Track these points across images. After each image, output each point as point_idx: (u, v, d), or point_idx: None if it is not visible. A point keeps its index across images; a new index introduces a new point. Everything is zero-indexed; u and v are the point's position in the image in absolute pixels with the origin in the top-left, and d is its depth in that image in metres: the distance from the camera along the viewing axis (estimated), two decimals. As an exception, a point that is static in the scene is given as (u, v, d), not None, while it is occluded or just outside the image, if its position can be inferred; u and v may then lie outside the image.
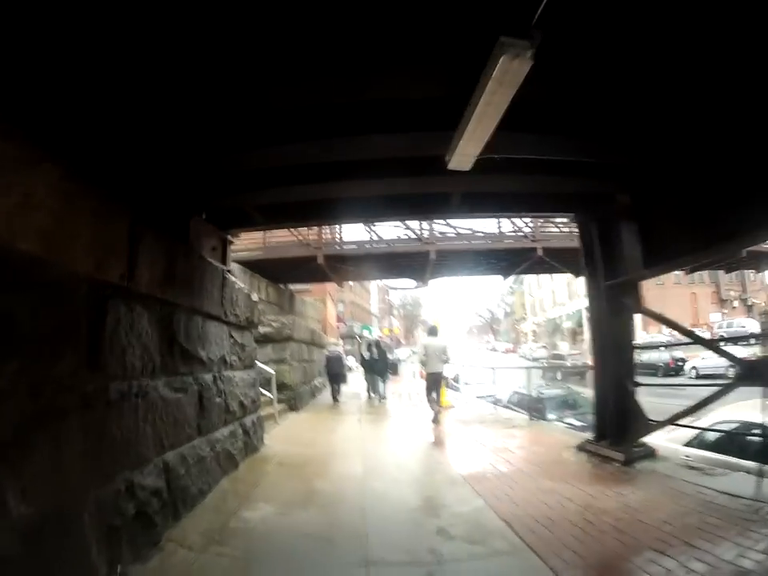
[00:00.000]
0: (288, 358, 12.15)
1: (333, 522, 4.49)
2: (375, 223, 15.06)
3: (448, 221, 15.42)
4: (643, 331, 46.09)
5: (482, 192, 6.43)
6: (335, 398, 14.65)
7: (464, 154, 4.03)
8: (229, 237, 7.45)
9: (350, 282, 60.93)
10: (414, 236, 15.31)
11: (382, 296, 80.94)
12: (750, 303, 48.39)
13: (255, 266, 15.19)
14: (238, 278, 13.72)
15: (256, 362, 9.57)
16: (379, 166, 5.19)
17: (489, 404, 15.83)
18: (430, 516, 4.66)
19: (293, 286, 23.76)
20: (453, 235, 15.78)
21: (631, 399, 6.64)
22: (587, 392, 15.07)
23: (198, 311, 5.49)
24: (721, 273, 48.47)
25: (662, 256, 6.05)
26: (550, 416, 11.90)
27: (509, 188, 6.26)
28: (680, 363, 29.41)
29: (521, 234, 15.92)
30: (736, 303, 50.26)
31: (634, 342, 7.82)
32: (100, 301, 3.43)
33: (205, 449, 5.38)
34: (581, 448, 7.06)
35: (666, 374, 27.26)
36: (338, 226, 16.78)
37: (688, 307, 48.02)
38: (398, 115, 4.15)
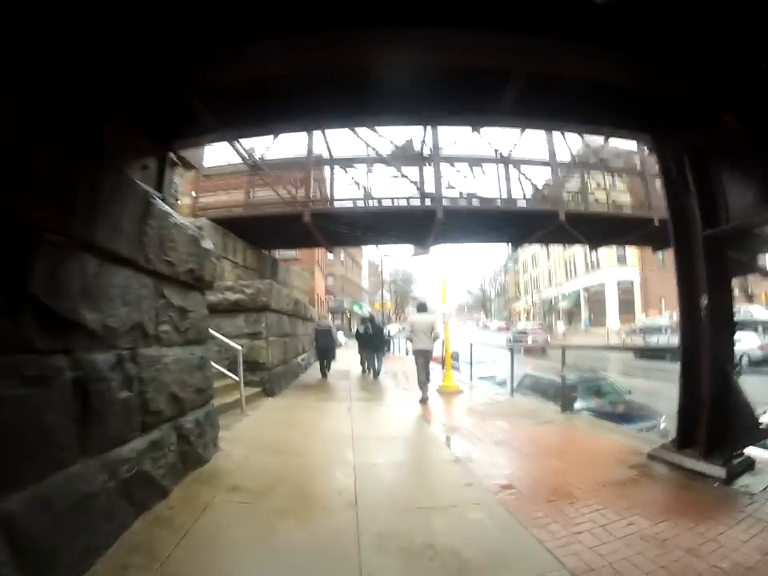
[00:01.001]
0: (264, 331, 9.93)
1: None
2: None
3: (451, 182, 13.26)
4: (642, 314, 45.35)
5: (545, 82, 4.16)
6: (324, 374, 13.72)
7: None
8: (171, 155, 5.18)
9: (342, 256, 59.37)
10: (416, 194, 13.04)
11: (373, 271, 79.61)
12: (750, 292, 47.77)
13: (233, 226, 12.91)
14: (208, 236, 11.51)
15: (215, 334, 7.54)
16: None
17: (494, 386, 14.05)
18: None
19: (280, 255, 21.55)
20: (460, 195, 13.51)
21: (735, 392, 4.92)
22: (610, 376, 13.26)
23: (87, 246, 3.27)
24: None
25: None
26: (576, 405, 9.96)
27: (586, 73, 3.99)
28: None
29: (539, 196, 13.72)
30: (737, 291, 48.48)
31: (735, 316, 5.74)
32: None
33: (96, 478, 3.20)
34: (655, 458, 5.26)
35: (675, 359, 25.25)
36: (327, 181, 14.47)
37: None
38: None
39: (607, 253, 47.63)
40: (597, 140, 14.27)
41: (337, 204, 13.47)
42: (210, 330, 8.23)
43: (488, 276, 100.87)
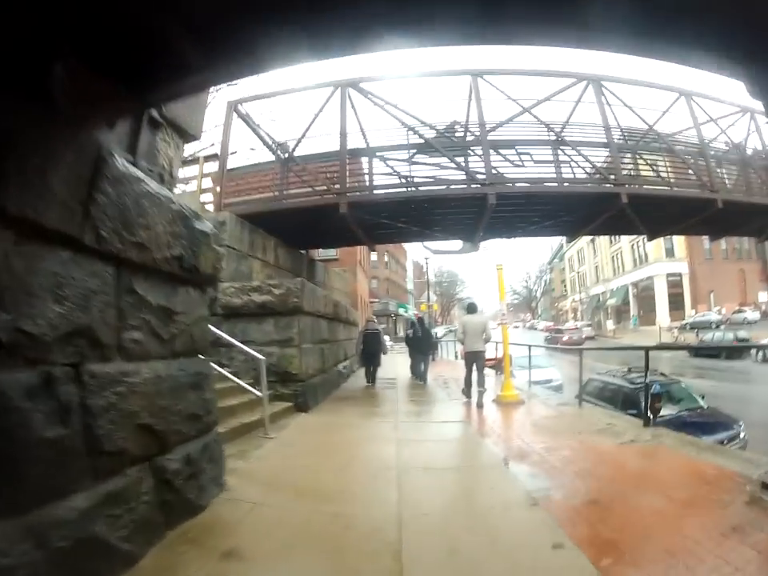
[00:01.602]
0: (296, 337, 8.70)
1: None
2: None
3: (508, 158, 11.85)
4: (692, 309, 42.95)
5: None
6: (371, 381, 12.80)
7: None
8: (153, 113, 4.00)
9: (385, 258, 58.26)
10: (462, 176, 11.67)
11: (417, 272, 78.37)
12: None
13: (262, 222, 11.81)
14: (232, 232, 10.40)
15: (232, 341, 6.42)
16: None
17: (552, 392, 12.63)
18: None
19: (319, 256, 20.45)
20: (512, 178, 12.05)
21: None
22: (685, 380, 11.63)
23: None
24: None
25: None
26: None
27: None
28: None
29: (600, 176, 12.15)
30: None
31: None
32: None
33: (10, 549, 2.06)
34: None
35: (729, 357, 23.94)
36: (365, 172, 13.23)
37: (736, 284, 45.05)
38: None
39: (655, 246, 45.33)
40: (653, 115, 12.73)
41: (376, 192, 12.18)
42: (225, 336, 7.19)
43: (533, 275, 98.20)
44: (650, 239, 16.67)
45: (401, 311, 59.55)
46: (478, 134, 11.81)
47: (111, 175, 3.04)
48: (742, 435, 8.26)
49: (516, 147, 11.80)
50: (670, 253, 45.80)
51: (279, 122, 13.20)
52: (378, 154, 12.30)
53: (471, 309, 10.55)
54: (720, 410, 9.72)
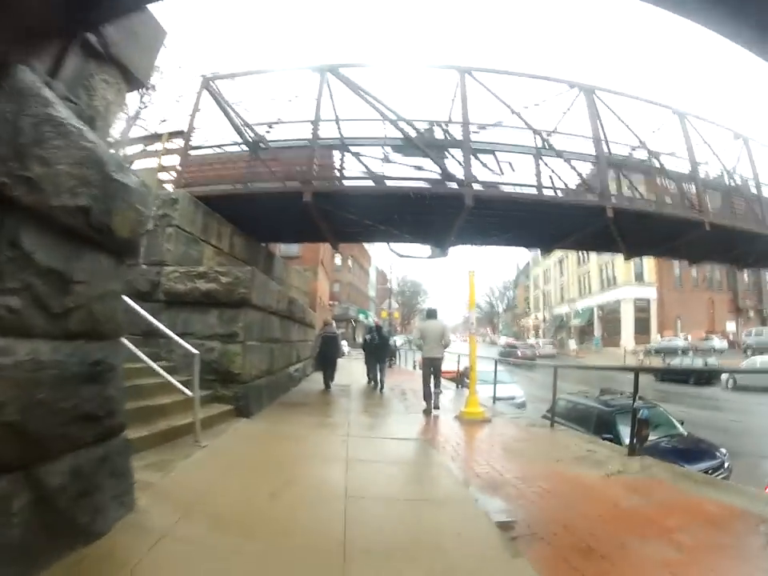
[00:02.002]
0: (240, 332, 7.82)
1: None
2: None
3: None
4: (657, 334, 43.31)
5: None
6: (327, 386, 12.48)
7: None
8: (92, 39, 3.19)
9: (349, 262, 57.38)
10: (439, 177, 10.98)
11: (381, 280, 77.78)
12: (765, 314, 46.55)
13: (220, 207, 10.88)
14: (184, 212, 9.48)
15: (166, 330, 5.57)
16: None
17: (516, 409, 12.37)
18: None
19: (281, 252, 19.50)
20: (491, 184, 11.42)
21: None
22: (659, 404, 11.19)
23: None
24: (739, 280, 46.83)
25: None
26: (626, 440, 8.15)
27: None
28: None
29: (586, 188, 11.63)
30: (752, 313, 48.27)
31: None
32: None
33: None
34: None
35: (698, 383, 23.74)
36: (336, 165, 12.43)
37: (704, 312, 45.96)
38: None
39: (624, 269, 45.92)
40: (645, 132, 12.34)
41: (346, 184, 11.37)
42: (155, 323, 6.30)
43: (497, 290, 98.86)
44: (626, 258, 16.27)
45: (361, 317, 58.82)
46: (460, 133, 11.14)
47: (9, 86, 2.19)
48: (726, 465, 7.84)
49: (497, 153, 11.16)
50: (639, 277, 46.33)
51: (253, 105, 11.95)
52: (351, 147, 11.49)
53: (430, 314, 10.25)
54: (700, 438, 9.33)
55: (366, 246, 70.64)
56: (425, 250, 14.92)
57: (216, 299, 7.86)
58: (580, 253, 56.22)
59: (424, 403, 9.41)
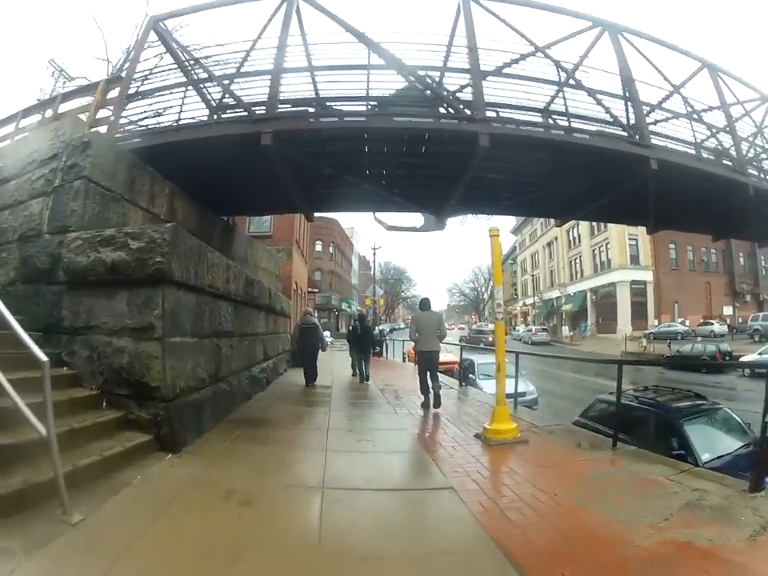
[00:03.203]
0: (158, 324, 5.11)
1: None
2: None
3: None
4: (655, 319, 41.93)
5: None
6: (309, 383, 11.38)
7: None
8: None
9: (330, 249, 54.80)
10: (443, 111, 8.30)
11: (363, 268, 75.58)
12: (762, 299, 44.95)
13: (155, 158, 8.10)
14: (100, 160, 6.79)
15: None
16: None
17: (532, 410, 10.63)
18: None
19: (249, 232, 16.74)
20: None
21: None
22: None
23: None
24: (735, 262, 45.20)
25: None
26: (704, 456, 6.36)
27: None
28: (727, 358, 24.23)
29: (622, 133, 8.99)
30: (748, 297, 46.99)
31: None
32: None
33: None
34: None
35: (710, 371, 21.50)
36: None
37: (701, 296, 44.41)
38: None
39: (619, 251, 44.11)
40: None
41: (321, 120, 8.59)
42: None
43: (481, 276, 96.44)
44: (650, 232, 13.76)
45: (344, 306, 56.58)
46: (466, 61, 8.46)
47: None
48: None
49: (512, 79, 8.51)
50: (635, 260, 44.42)
51: (211, 51, 9.14)
52: (330, 104, 8.75)
53: (424, 305, 9.63)
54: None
55: (349, 233, 68.51)
56: (416, 220, 12.33)
57: (125, 275, 5.22)
58: (570, 235, 54.53)
59: (422, 397, 8.88)
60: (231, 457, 5.17)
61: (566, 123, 8.66)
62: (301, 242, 21.95)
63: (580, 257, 52.85)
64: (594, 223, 47.86)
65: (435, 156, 8.67)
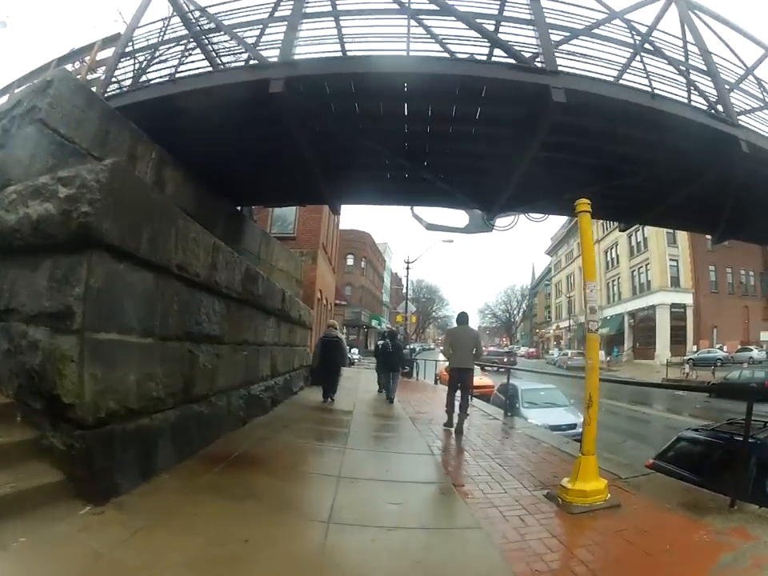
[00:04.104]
0: (78, 310, 3.33)
1: None
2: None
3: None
4: (694, 345, 38.94)
5: None
6: (329, 397, 10.67)
7: None
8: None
9: (362, 263, 53.06)
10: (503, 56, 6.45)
11: (395, 286, 73.87)
12: None
13: (151, 122, 6.48)
14: (62, 104, 5.13)
15: None
16: None
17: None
18: None
19: (272, 232, 15.02)
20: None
21: None
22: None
23: None
24: None
25: None
26: None
27: None
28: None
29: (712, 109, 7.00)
30: None
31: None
32: None
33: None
34: None
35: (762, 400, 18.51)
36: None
37: (739, 321, 40.74)
38: None
39: (659, 273, 41.50)
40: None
41: (350, 55, 6.71)
42: None
43: (514, 299, 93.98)
44: (715, 242, 11.73)
45: (374, 323, 54.69)
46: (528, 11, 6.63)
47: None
48: None
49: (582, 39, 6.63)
50: (675, 282, 41.44)
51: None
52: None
53: (461, 319, 8.93)
54: None
55: (381, 248, 66.84)
56: (460, 219, 10.54)
57: (49, 235, 3.53)
58: (609, 255, 51.97)
59: (453, 434, 7.77)
60: (179, 521, 3.33)
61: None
62: (328, 247, 19.96)
63: (618, 278, 50.16)
64: (634, 243, 46.08)
65: (492, 123, 6.85)
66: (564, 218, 59.05)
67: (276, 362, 8.92)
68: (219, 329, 5.72)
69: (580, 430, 11.07)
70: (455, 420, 7.89)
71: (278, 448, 5.87)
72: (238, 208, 10.28)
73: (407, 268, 33.60)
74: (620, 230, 11.12)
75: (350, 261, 51.57)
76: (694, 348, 38.06)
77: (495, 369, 25.49)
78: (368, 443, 7.02)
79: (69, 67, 8.83)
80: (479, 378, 14.54)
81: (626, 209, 10.02)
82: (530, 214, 10.47)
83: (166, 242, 4.28)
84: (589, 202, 5.05)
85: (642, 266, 44.92)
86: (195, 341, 5.07)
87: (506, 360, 40.41)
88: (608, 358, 45.24)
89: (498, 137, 7.15)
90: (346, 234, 42.75)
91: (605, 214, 10.89)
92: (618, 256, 50.05)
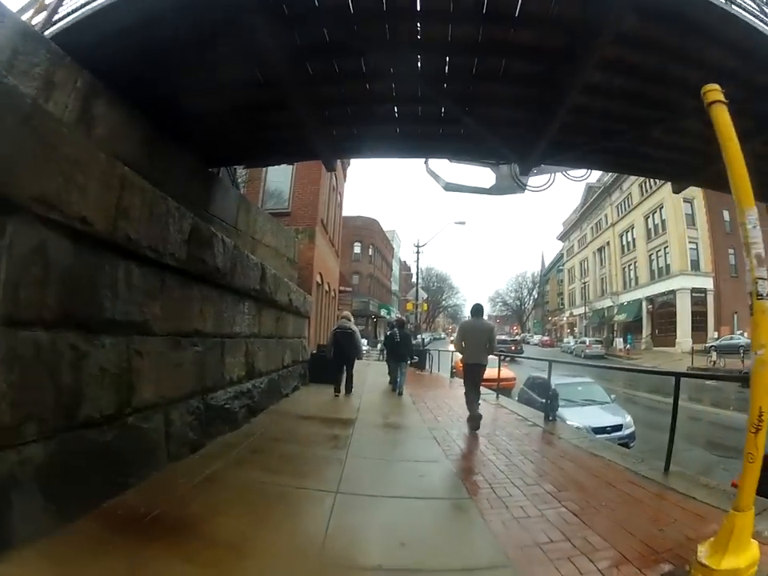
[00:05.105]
0: None
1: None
2: None
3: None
4: (715, 332, 36.90)
5: None
6: (347, 390, 10.69)
7: None
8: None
9: (369, 251, 51.08)
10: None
11: (404, 275, 72.13)
12: None
13: (88, 47, 4.64)
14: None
15: None
16: None
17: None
18: None
19: (263, 206, 13.14)
20: None
21: None
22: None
23: None
24: None
25: None
26: None
27: None
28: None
29: None
30: None
31: None
32: None
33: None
34: None
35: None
36: None
37: None
38: None
39: (679, 256, 39.41)
40: None
41: None
42: None
43: (525, 286, 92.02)
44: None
45: (383, 312, 52.99)
46: None
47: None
48: None
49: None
50: (695, 266, 39.45)
51: None
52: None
53: (476, 311, 8.38)
54: None
55: (390, 236, 64.79)
56: (485, 178, 8.80)
57: None
58: (624, 239, 50.01)
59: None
60: None
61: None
62: (329, 227, 17.84)
63: (635, 263, 48.10)
64: (651, 225, 44.37)
65: (536, 27, 4.90)
66: (576, 202, 56.74)
67: (254, 360, 7.06)
68: (140, 313, 3.85)
69: (627, 431, 9.57)
70: (477, 410, 7.41)
71: (229, 497, 3.80)
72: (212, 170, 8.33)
73: (417, 252, 31.74)
74: (674, 192, 9.16)
75: (357, 248, 49.83)
76: (715, 335, 36.25)
77: (502, 357, 23.94)
78: (371, 477, 4.81)
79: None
80: (502, 371, 12.99)
81: (681, 167, 8.04)
82: (569, 172, 8.68)
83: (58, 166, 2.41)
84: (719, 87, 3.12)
85: (660, 249, 42.91)
86: (88, 330, 3.20)
87: (513, 349, 39.88)
88: (626, 346, 43.37)
89: (547, 51, 5.23)
90: (352, 220, 41.16)
91: (658, 171, 8.94)
92: (634, 239, 48.28)
